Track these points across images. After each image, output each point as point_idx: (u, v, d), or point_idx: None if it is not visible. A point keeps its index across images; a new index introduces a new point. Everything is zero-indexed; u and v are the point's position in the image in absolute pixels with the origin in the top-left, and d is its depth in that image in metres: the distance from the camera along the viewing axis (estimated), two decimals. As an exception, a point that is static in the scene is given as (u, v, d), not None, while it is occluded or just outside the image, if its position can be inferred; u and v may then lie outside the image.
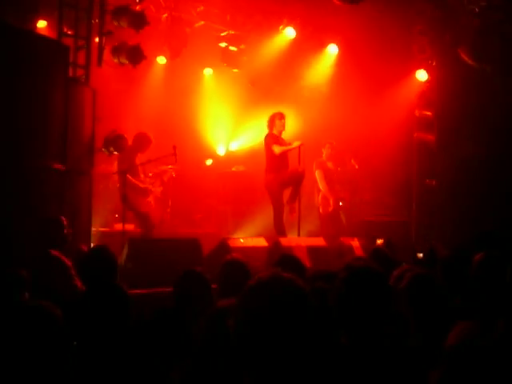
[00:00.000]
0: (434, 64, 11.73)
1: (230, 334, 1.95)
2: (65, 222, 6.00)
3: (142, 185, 9.59)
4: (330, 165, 11.27)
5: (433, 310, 3.09)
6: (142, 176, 9.70)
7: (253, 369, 1.89)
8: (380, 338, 2.62)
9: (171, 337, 3.28)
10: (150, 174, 11.63)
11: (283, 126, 9.71)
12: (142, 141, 9.61)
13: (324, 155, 11.26)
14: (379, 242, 9.42)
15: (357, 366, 2.58)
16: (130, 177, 9.24)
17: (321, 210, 11.05)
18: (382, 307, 2.68)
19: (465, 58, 10.55)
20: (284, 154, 9.68)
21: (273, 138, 9.70)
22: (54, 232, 5.91)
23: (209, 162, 13.85)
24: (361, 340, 2.63)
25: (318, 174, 11.04)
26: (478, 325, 1.61)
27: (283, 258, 4.91)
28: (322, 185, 11.00)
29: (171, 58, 12.01)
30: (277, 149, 9.53)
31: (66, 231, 5.96)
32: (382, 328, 2.64)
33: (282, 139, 9.82)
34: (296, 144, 9.68)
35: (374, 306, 2.67)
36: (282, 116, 9.73)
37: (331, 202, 10.99)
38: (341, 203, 11.33)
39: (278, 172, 9.59)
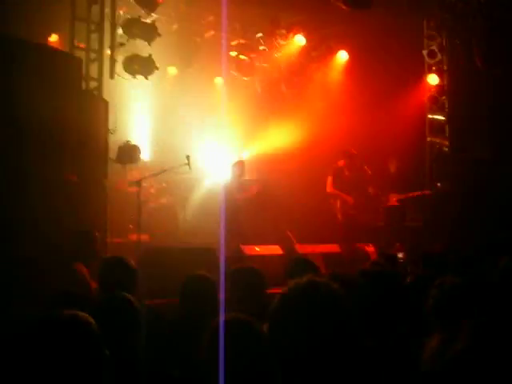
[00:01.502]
0: (444, 68, 11.73)
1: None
2: (97, 236, 6.02)
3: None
4: (346, 173, 11.19)
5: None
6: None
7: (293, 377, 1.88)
8: (402, 339, 2.62)
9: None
10: (164, 184, 11.70)
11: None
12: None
13: (340, 163, 11.18)
14: (400, 255, 9.42)
15: (382, 367, 2.58)
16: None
17: (339, 216, 10.97)
18: (401, 308, 2.69)
19: (476, 61, 10.52)
20: None
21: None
22: (89, 245, 5.93)
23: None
24: (384, 341, 2.63)
25: (328, 179, 10.99)
26: (444, 336, 1.60)
27: (297, 261, 4.90)
28: (328, 188, 10.95)
29: (182, 68, 12.08)
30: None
31: (97, 245, 5.99)
32: (404, 329, 2.65)
33: None
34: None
35: (392, 307, 2.68)
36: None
37: (349, 200, 10.94)
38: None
39: None
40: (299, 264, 4.81)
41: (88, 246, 6.00)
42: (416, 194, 11.91)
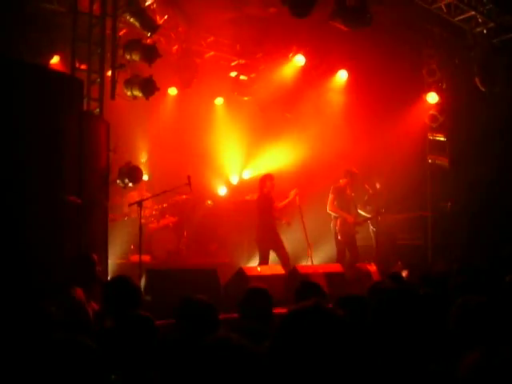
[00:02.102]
0: (443, 86, 11.76)
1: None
2: (95, 259, 5.99)
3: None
4: (348, 191, 11.18)
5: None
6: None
7: None
8: (416, 361, 2.57)
9: None
10: (165, 205, 11.67)
11: (273, 187, 10.56)
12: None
13: (341, 182, 11.16)
14: (404, 273, 9.37)
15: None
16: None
17: (339, 237, 10.96)
18: (418, 329, 2.64)
19: (475, 80, 10.55)
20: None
21: (267, 199, 10.55)
22: (85, 269, 5.89)
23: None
24: (399, 363, 2.59)
25: (329, 198, 10.98)
26: (484, 352, 1.59)
27: (304, 285, 4.86)
28: (329, 207, 10.94)
29: (182, 88, 12.11)
30: (280, 204, 10.54)
31: (97, 268, 5.95)
32: (420, 351, 2.60)
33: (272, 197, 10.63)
34: (292, 194, 10.51)
35: (410, 328, 2.63)
36: (271, 178, 10.65)
37: (349, 219, 10.92)
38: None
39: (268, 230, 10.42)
40: (305, 288, 4.77)
41: (87, 270, 5.94)
42: (416, 214, 11.93)
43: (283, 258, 10.17)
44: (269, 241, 10.29)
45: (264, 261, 10.13)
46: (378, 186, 11.63)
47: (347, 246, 10.94)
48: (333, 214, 11.00)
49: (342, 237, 10.94)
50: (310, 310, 1.95)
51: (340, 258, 10.79)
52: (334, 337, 1.89)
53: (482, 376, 1.60)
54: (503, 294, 4.67)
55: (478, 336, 3.09)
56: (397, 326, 2.67)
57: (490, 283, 5.04)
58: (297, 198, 10.50)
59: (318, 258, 11.30)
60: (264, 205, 10.49)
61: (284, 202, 10.54)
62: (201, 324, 3.88)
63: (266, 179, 10.57)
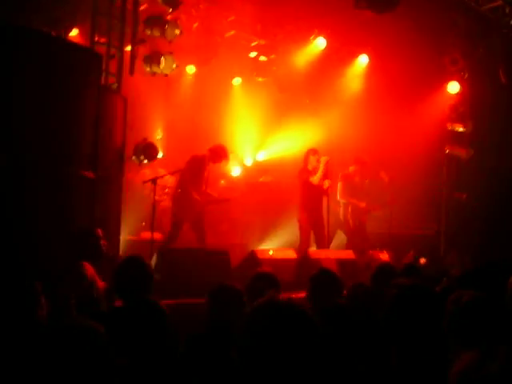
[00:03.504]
0: (466, 76, 11.58)
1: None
2: (100, 234, 5.97)
3: (195, 195, 9.35)
4: (356, 179, 11.08)
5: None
6: (203, 188, 9.57)
7: None
8: (430, 358, 2.52)
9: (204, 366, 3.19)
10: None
11: (317, 162, 9.89)
12: (218, 153, 9.58)
13: (350, 169, 11.07)
14: (422, 260, 9.31)
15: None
16: (188, 183, 9.26)
17: (350, 224, 10.89)
18: (433, 326, 2.60)
19: (498, 72, 10.38)
20: (317, 193, 9.90)
21: (307, 172, 9.93)
22: (90, 244, 5.87)
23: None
24: (410, 359, 2.54)
25: (338, 186, 10.86)
26: (480, 354, 1.53)
27: (321, 272, 4.80)
28: (339, 195, 10.83)
29: (199, 65, 12.00)
30: (315, 178, 9.83)
31: (101, 242, 5.93)
32: (433, 348, 2.55)
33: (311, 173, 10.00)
34: (323, 160, 9.86)
35: (425, 324, 2.58)
36: (315, 152, 10.00)
37: (361, 205, 10.81)
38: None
39: (311, 213, 9.85)
40: (323, 276, 4.71)
41: (92, 245, 5.92)
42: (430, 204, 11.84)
43: (320, 240, 9.84)
44: (310, 222, 9.87)
45: (305, 244, 9.67)
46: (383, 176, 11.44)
47: (357, 233, 10.88)
48: (343, 201, 10.90)
49: (353, 223, 10.88)
50: (265, 305, 1.95)
51: (350, 244, 10.73)
52: (288, 331, 1.87)
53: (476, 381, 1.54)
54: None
55: (472, 335, 3.00)
56: (409, 323, 2.63)
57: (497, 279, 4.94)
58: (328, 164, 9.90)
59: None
60: (306, 183, 9.90)
61: (318, 175, 9.84)
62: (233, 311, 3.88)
63: (310, 154, 10.02)
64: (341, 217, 11.07)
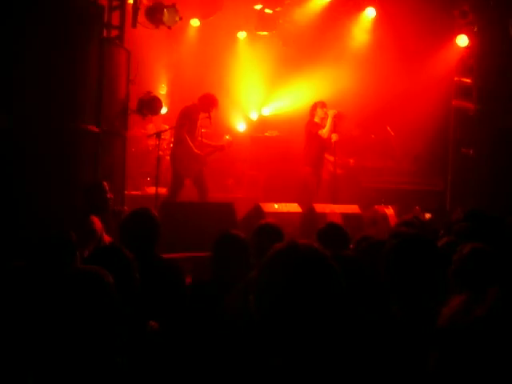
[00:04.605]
0: (475, 29, 11.36)
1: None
2: (107, 187, 5.96)
3: (195, 149, 9.22)
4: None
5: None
6: (199, 138, 9.42)
7: (279, 346, 1.79)
8: (432, 308, 2.52)
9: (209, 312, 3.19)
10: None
11: (325, 114, 9.75)
12: (208, 102, 9.33)
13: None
14: (427, 216, 9.28)
15: (406, 337, 2.49)
16: (188, 138, 9.09)
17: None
18: (434, 276, 2.59)
19: (509, 28, 10.18)
20: (323, 147, 9.83)
21: (315, 125, 9.78)
22: (97, 197, 5.87)
23: (241, 126, 13.73)
24: (412, 309, 2.54)
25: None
26: (470, 297, 1.51)
27: (328, 226, 4.79)
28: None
29: (203, 18, 11.82)
30: (324, 132, 9.69)
31: (108, 196, 5.93)
32: (435, 298, 2.54)
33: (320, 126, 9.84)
34: (331, 113, 9.71)
35: (425, 274, 2.58)
36: (323, 105, 9.85)
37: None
38: None
39: (316, 167, 9.80)
40: (329, 229, 4.71)
41: (98, 198, 5.93)
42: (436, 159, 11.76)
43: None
44: (315, 176, 9.82)
45: (310, 198, 9.46)
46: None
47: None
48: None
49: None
50: (286, 249, 1.85)
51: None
52: (312, 274, 1.80)
53: (466, 320, 1.51)
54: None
55: (475, 283, 3.01)
56: (410, 273, 2.62)
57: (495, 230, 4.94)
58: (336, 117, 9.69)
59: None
60: (315, 136, 9.74)
61: (327, 128, 9.66)
62: (240, 257, 3.89)
63: (317, 106, 9.84)
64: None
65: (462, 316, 1.50)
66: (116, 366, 2.15)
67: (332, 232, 4.61)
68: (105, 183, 6.08)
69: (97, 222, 5.71)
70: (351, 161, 11.00)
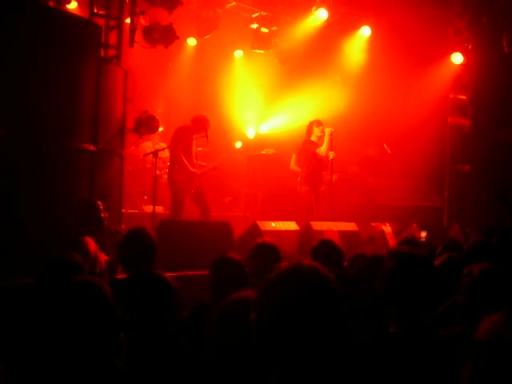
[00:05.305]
0: (470, 47, 11.46)
1: (249, 327, 1.86)
2: (101, 206, 5.96)
3: (191, 168, 9.20)
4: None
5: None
6: (194, 160, 9.40)
7: (277, 364, 1.81)
8: (429, 326, 2.53)
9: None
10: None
11: (321, 133, 9.81)
12: (200, 123, 9.34)
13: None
14: (423, 234, 9.29)
15: (403, 354, 2.49)
16: (183, 157, 9.10)
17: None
18: (431, 294, 2.60)
19: (502, 44, 10.26)
20: (321, 165, 9.85)
21: (312, 144, 9.86)
22: (91, 216, 5.87)
23: (238, 144, 13.76)
24: (411, 326, 2.54)
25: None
26: (507, 314, 1.53)
27: (322, 243, 4.80)
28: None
29: (200, 36, 11.88)
30: (322, 150, 9.75)
31: (102, 215, 5.92)
32: (432, 316, 2.55)
33: (318, 144, 9.90)
34: (328, 132, 9.74)
35: (422, 292, 2.59)
36: (319, 123, 9.91)
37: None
38: None
39: (314, 186, 9.84)
40: (323, 246, 4.72)
41: (92, 217, 5.92)
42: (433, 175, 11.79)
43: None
44: (312, 194, 9.80)
45: (307, 216, 9.43)
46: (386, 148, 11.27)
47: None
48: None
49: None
50: (290, 270, 1.87)
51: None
52: (315, 295, 1.82)
53: (504, 337, 1.53)
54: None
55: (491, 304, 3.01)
56: (408, 292, 2.63)
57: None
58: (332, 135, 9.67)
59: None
60: (312, 154, 9.76)
61: (324, 146, 9.70)
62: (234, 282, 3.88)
63: (313, 125, 9.87)
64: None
65: (504, 329, 1.53)
66: (116, 370, 2.18)
67: (325, 249, 4.61)
68: (98, 202, 6.07)
69: (90, 242, 5.69)
70: (353, 169, 10.96)
